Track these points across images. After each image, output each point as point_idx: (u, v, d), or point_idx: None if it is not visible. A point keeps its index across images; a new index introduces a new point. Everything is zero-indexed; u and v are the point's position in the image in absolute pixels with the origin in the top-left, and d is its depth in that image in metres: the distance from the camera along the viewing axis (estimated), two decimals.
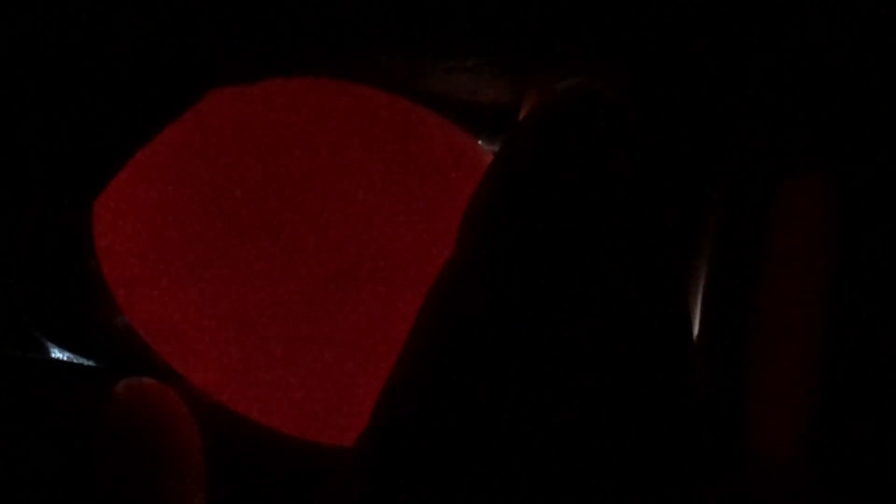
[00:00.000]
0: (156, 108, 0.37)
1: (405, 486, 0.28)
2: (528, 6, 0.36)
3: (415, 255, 0.38)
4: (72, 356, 0.39)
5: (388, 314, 0.37)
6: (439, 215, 0.38)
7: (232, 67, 0.38)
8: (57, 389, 0.36)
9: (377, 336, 0.37)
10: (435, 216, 0.38)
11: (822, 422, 0.33)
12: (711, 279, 0.36)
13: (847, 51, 0.35)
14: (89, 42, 0.36)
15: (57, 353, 0.39)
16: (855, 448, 0.32)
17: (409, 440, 0.28)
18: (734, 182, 0.37)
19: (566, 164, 0.31)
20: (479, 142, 0.39)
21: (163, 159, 0.37)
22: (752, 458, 0.33)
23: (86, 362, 0.39)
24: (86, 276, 0.37)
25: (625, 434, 0.29)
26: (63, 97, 0.37)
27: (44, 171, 0.37)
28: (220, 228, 0.37)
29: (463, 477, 0.28)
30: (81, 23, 0.36)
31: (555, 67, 0.36)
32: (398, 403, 0.29)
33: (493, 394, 0.28)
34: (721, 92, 0.37)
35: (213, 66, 0.37)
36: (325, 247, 0.38)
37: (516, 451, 0.28)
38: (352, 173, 0.38)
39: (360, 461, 0.29)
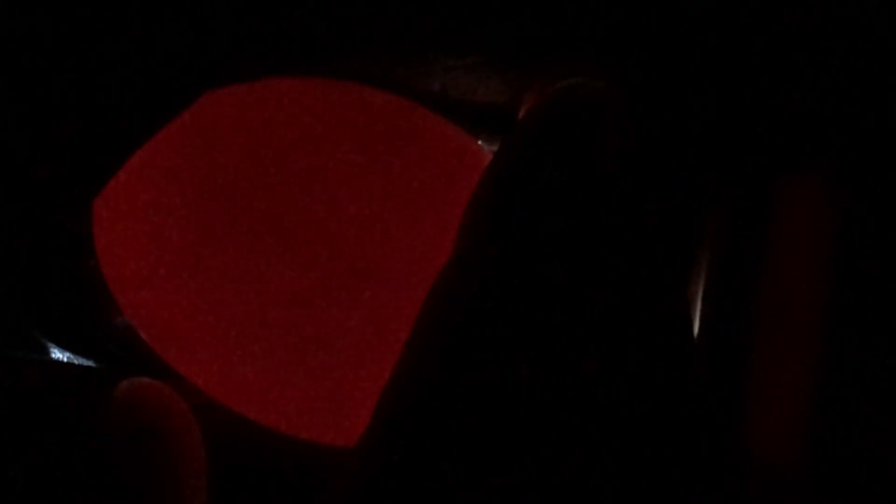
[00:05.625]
0: (155, 107, 0.37)
1: (406, 486, 0.28)
2: (528, 6, 0.36)
3: (415, 255, 0.38)
4: (72, 356, 0.39)
5: (388, 314, 0.37)
6: (439, 215, 0.38)
7: (231, 67, 0.38)
8: (57, 389, 0.36)
9: (377, 336, 0.37)
10: (435, 216, 0.38)
11: (820, 421, 0.33)
12: (711, 279, 0.36)
13: (847, 51, 0.35)
14: (88, 43, 0.36)
15: (57, 353, 0.39)
16: (853, 448, 0.32)
17: (410, 440, 0.28)
18: (734, 182, 0.37)
19: (566, 164, 0.31)
20: (479, 142, 0.39)
21: (162, 159, 0.37)
22: (752, 456, 0.33)
23: (86, 362, 0.39)
24: (86, 276, 0.37)
25: (625, 433, 0.29)
26: (62, 97, 0.37)
27: (44, 171, 0.37)
28: (220, 228, 0.37)
29: (464, 476, 0.28)
30: (81, 24, 0.36)
31: (555, 67, 0.36)
32: (399, 403, 0.29)
33: (493, 393, 0.28)
34: (721, 92, 0.37)
35: (211, 66, 0.37)
36: (325, 246, 0.38)
37: (517, 451, 0.28)
38: (351, 173, 0.38)
39: (361, 461, 0.29)
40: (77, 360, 0.39)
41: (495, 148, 0.38)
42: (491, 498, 0.28)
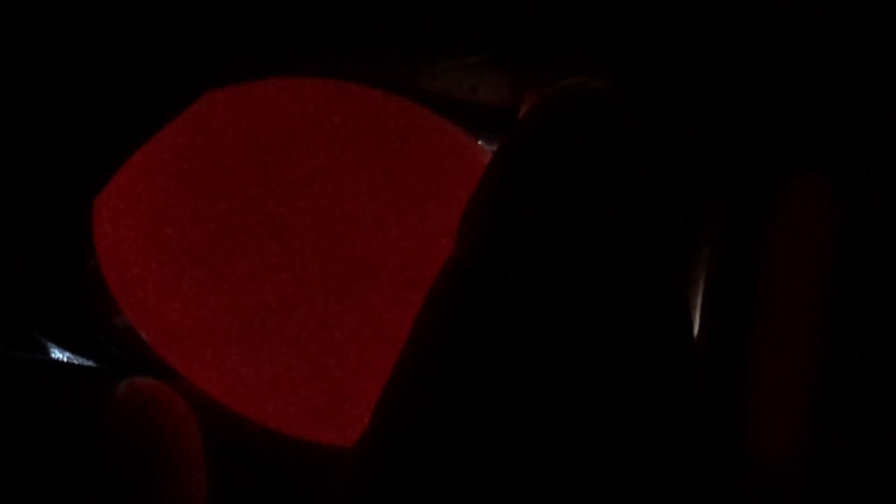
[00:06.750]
0: (155, 107, 0.37)
1: (406, 487, 0.28)
2: (528, 6, 0.36)
3: (415, 255, 0.38)
4: (72, 356, 0.39)
5: (388, 314, 0.37)
6: (439, 215, 0.38)
7: (231, 67, 0.38)
8: (57, 389, 0.36)
9: (377, 336, 0.37)
10: (435, 216, 0.38)
11: (821, 422, 0.33)
12: (711, 279, 0.36)
13: (847, 51, 0.35)
14: (88, 41, 0.36)
15: (57, 353, 0.39)
16: (853, 449, 0.32)
17: (409, 440, 0.28)
18: (734, 182, 0.37)
19: (565, 164, 0.31)
20: (479, 142, 0.39)
21: (162, 159, 0.37)
22: (751, 459, 0.33)
23: (86, 362, 0.39)
24: (86, 276, 0.37)
25: (625, 434, 0.29)
26: (62, 97, 0.37)
27: (44, 170, 0.37)
28: (220, 228, 0.37)
29: (464, 477, 0.28)
30: (81, 22, 0.36)
31: (555, 67, 0.36)
32: (399, 404, 0.29)
33: (493, 394, 0.28)
34: (721, 92, 0.37)
35: (212, 66, 0.37)
36: (325, 246, 0.38)
37: (516, 452, 0.28)
38: (351, 173, 0.38)
39: (361, 461, 0.29)
40: (77, 360, 0.39)
41: (495, 148, 0.38)
42: (491, 498, 0.28)
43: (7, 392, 0.36)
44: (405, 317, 0.33)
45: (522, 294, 0.30)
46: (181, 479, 0.34)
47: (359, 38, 0.37)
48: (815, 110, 0.35)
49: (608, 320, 0.30)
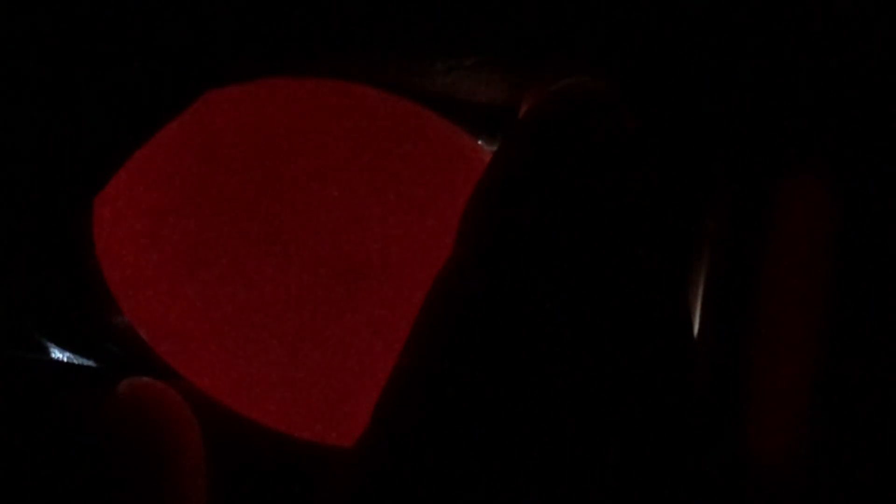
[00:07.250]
0: (155, 107, 0.37)
1: (405, 487, 0.28)
2: (528, 6, 0.36)
3: (415, 255, 0.38)
4: (72, 356, 0.39)
5: (388, 314, 0.37)
6: (439, 215, 0.38)
7: (231, 67, 0.38)
8: (57, 389, 0.36)
9: (377, 336, 0.37)
10: (435, 216, 0.38)
11: (821, 422, 0.33)
12: (711, 279, 0.36)
13: (847, 50, 0.35)
14: (89, 41, 0.36)
15: (57, 353, 0.39)
16: (853, 449, 0.32)
17: (409, 440, 0.28)
18: (734, 182, 0.37)
19: (565, 164, 0.32)
20: (479, 142, 0.39)
21: (162, 159, 0.37)
22: (751, 458, 0.33)
23: (86, 362, 0.39)
24: (86, 276, 0.37)
25: (625, 434, 0.29)
26: (62, 96, 0.37)
27: (44, 170, 0.37)
28: (220, 228, 0.37)
29: (463, 477, 0.28)
30: (81, 22, 0.36)
31: (555, 67, 0.36)
32: (399, 403, 0.29)
33: (493, 394, 0.28)
34: (720, 92, 0.37)
35: (212, 66, 0.37)
36: (325, 246, 0.38)
37: (516, 452, 0.28)
38: (351, 173, 0.38)
39: (361, 461, 0.29)
40: (77, 360, 0.39)
41: (495, 148, 0.38)
42: (491, 498, 0.28)
43: (7, 392, 0.36)
44: (405, 317, 0.33)
45: (522, 294, 0.30)
46: (181, 479, 0.34)
47: (359, 39, 0.37)
48: (815, 110, 0.35)
49: (608, 320, 0.30)
